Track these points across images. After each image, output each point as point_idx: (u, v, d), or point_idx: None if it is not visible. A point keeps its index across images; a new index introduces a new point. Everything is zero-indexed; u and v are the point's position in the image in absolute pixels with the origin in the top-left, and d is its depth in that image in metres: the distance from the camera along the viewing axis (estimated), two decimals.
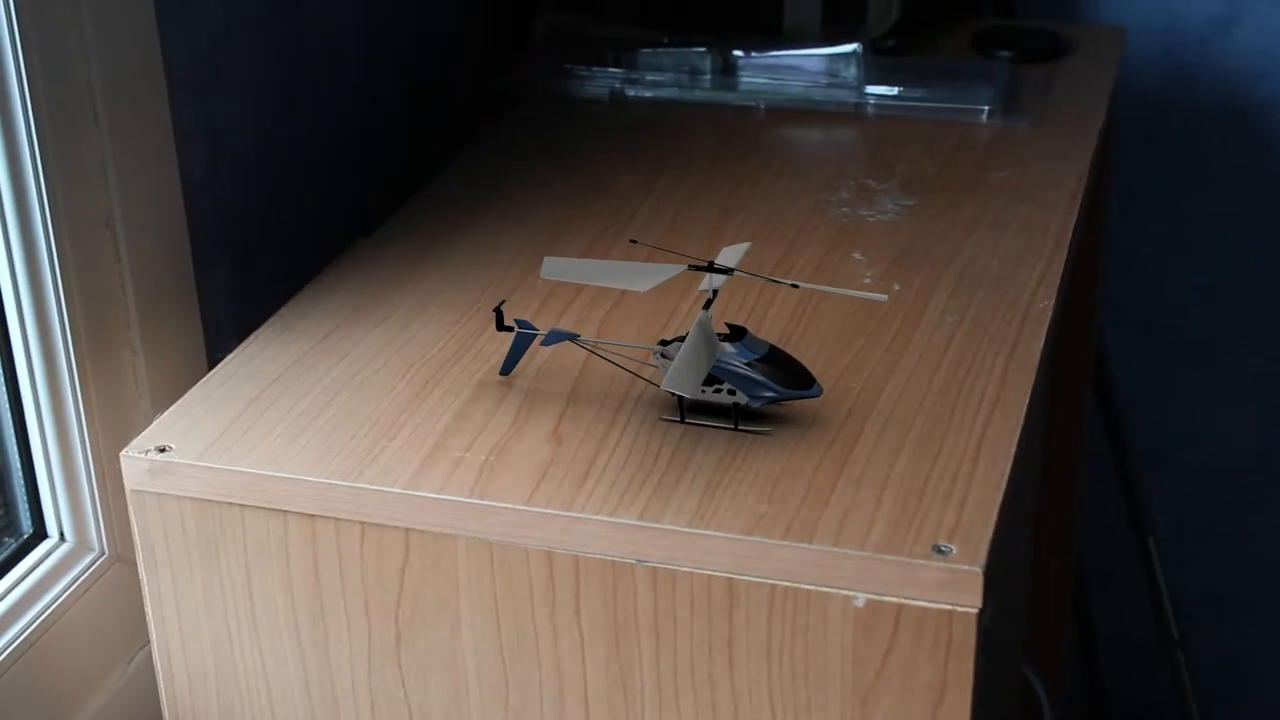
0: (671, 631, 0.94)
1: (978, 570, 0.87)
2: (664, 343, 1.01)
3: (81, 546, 1.13)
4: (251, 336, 1.13)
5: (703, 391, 0.99)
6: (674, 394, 1.00)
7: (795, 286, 1.04)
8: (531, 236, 1.25)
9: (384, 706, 1.02)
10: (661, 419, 1.01)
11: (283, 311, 1.16)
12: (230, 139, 1.23)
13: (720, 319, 1.10)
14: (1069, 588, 1.89)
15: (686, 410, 1.00)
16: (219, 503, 0.99)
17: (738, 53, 1.51)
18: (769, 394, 0.98)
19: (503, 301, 1.07)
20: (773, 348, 0.99)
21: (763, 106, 1.48)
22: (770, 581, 0.91)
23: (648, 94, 1.51)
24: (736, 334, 0.99)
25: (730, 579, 0.92)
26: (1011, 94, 1.48)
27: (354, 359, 1.09)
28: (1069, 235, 1.24)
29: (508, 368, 1.05)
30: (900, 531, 0.90)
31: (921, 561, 0.88)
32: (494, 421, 1.02)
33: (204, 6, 1.18)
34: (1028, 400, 1.02)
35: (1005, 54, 1.58)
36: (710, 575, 0.92)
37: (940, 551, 0.88)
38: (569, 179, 1.35)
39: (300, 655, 1.02)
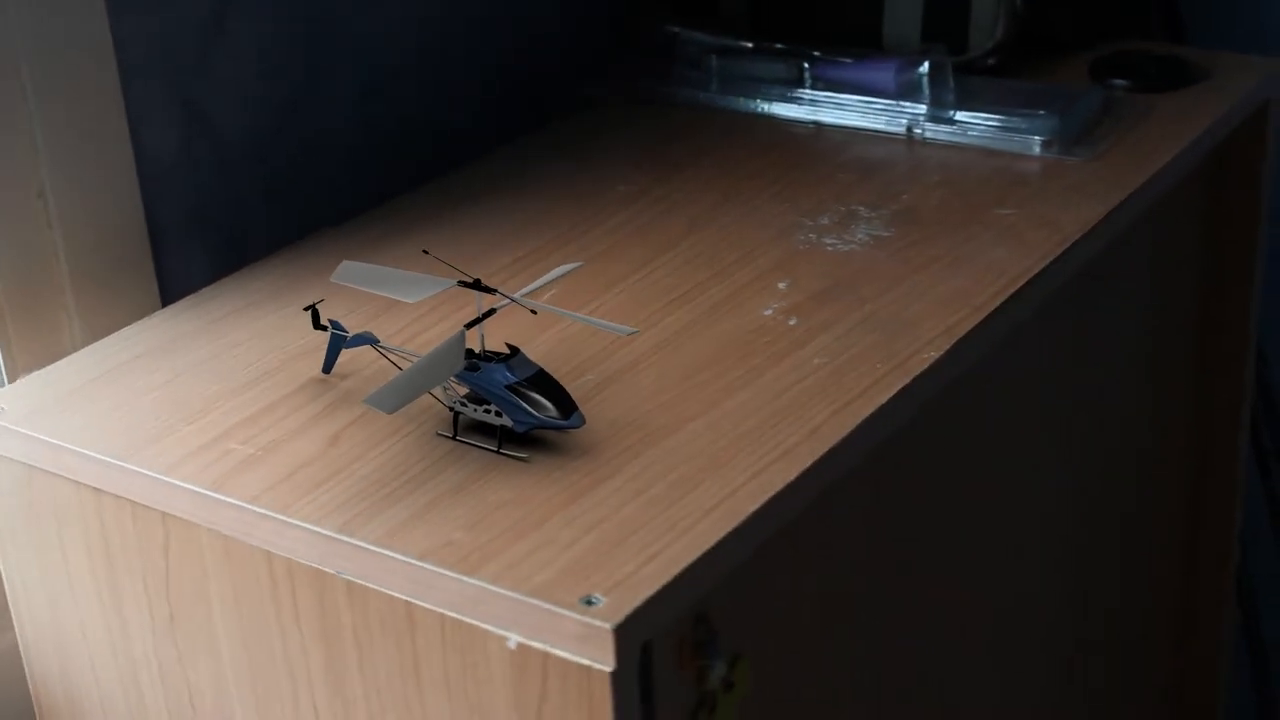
0: (370, 648, 0.93)
1: (608, 628, 0.83)
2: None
3: None
4: (164, 309, 1.18)
5: (474, 410, 0.98)
6: (452, 409, 0.99)
7: (534, 312, 1.00)
8: (485, 239, 1.25)
9: (171, 680, 1.05)
10: (437, 434, 0.99)
11: (206, 289, 1.21)
12: (220, 123, 1.28)
13: (606, 334, 1.08)
14: (1225, 609, 1.71)
15: (461, 428, 0.99)
16: (33, 467, 1.04)
17: (806, 65, 1.45)
18: (527, 419, 0.95)
19: (320, 300, 1.07)
20: (541, 372, 0.97)
21: (814, 122, 1.42)
22: (440, 611, 0.89)
23: (718, 101, 1.47)
24: (509, 355, 0.97)
25: (409, 603, 0.90)
26: (1089, 126, 1.36)
27: (226, 342, 1.13)
28: (1023, 282, 1.14)
29: (327, 366, 1.06)
30: (570, 577, 0.86)
31: (563, 610, 0.84)
32: (291, 417, 1.03)
33: None
34: (818, 456, 0.95)
35: (1120, 81, 1.45)
36: (393, 597, 0.91)
37: (589, 603, 0.84)
38: (568, 183, 1.34)
39: (105, 621, 1.06)
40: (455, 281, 0.98)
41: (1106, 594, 1.50)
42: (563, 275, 1.02)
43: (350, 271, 1.02)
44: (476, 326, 0.97)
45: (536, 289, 1.02)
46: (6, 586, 1.11)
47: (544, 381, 0.96)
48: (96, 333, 1.20)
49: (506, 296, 0.97)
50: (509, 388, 0.95)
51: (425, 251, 1.05)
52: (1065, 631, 1.43)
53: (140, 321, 1.17)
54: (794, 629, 1.02)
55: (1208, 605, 1.69)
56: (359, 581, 0.92)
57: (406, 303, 1.06)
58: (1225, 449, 1.61)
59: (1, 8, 1.11)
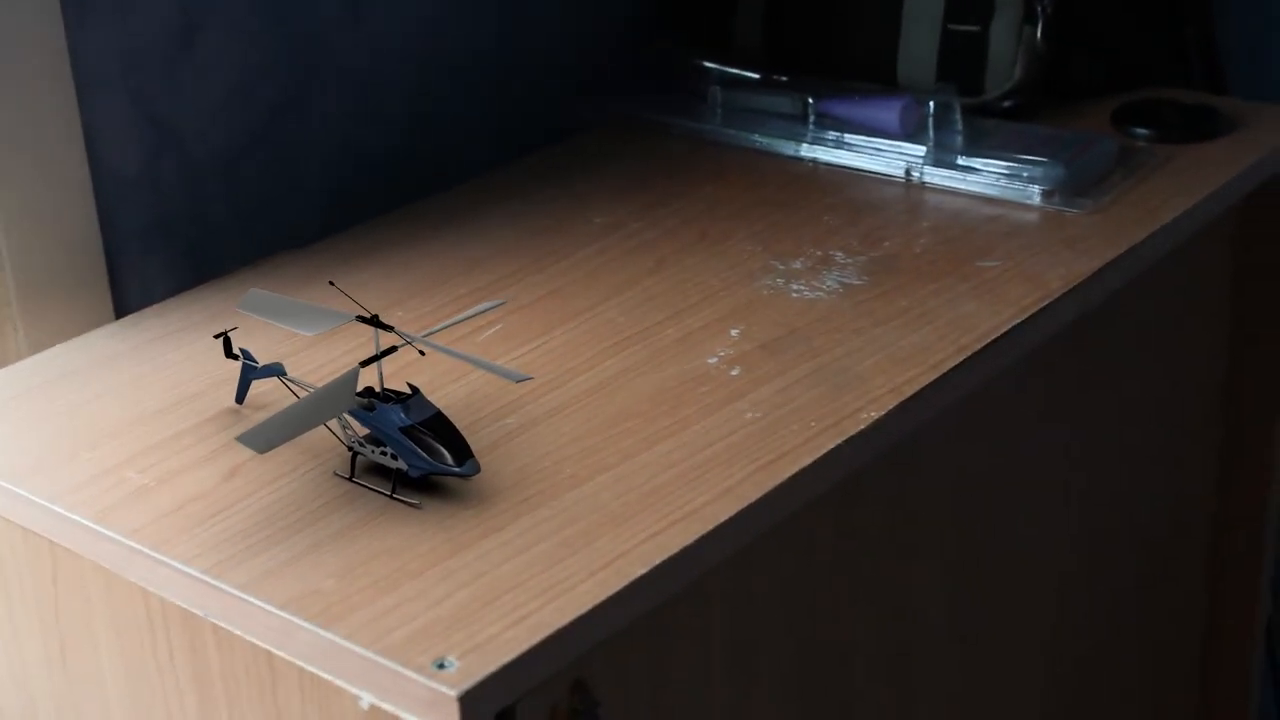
0: (239, 696, 0.89)
1: (453, 694, 0.78)
2: (360, 393, 0.94)
3: None
4: (105, 326, 1.16)
5: (371, 451, 0.93)
6: (351, 449, 0.94)
7: (422, 354, 0.95)
8: (445, 268, 1.21)
9: (66, 709, 1.02)
10: (335, 474, 0.95)
11: (153, 307, 1.18)
12: (189, 140, 1.25)
13: (549, 366, 1.04)
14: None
15: (359, 469, 0.95)
16: None
17: (811, 100, 1.39)
18: (419, 464, 0.91)
19: (233, 328, 1.04)
20: (438, 415, 0.92)
21: (812, 160, 1.36)
22: (298, 663, 0.85)
23: (718, 134, 1.42)
24: (409, 396, 0.92)
25: (270, 653, 0.86)
26: (1098, 176, 1.29)
27: (157, 364, 1.10)
28: (989, 340, 1.07)
29: (239, 397, 1.02)
30: (430, 636, 0.82)
31: (410, 672, 0.79)
32: (196, 447, 0.99)
33: (148, 10, 1.19)
34: (723, 520, 0.90)
35: (1141, 130, 1.38)
36: (255, 645, 0.86)
37: (441, 666, 0.79)
38: (543, 213, 1.30)
39: (4, 648, 1.03)
40: (354, 316, 0.94)
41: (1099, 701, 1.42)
42: (482, 313, 0.98)
43: (255, 301, 0.98)
44: (375, 364, 0.93)
45: (450, 326, 0.97)
46: None
47: (440, 425, 0.92)
48: (44, 346, 1.18)
49: (401, 335, 0.93)
50: (403, 430, 0.91)
51: (331, 283, 1.01)
52: None
53: (79, 338, 1.14)
54: (702, 699, 0.96)
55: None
56: (224, 626, 0.88)
57: (306, 335, 1.02)
58: (1251, 537, 1.53)
59: None
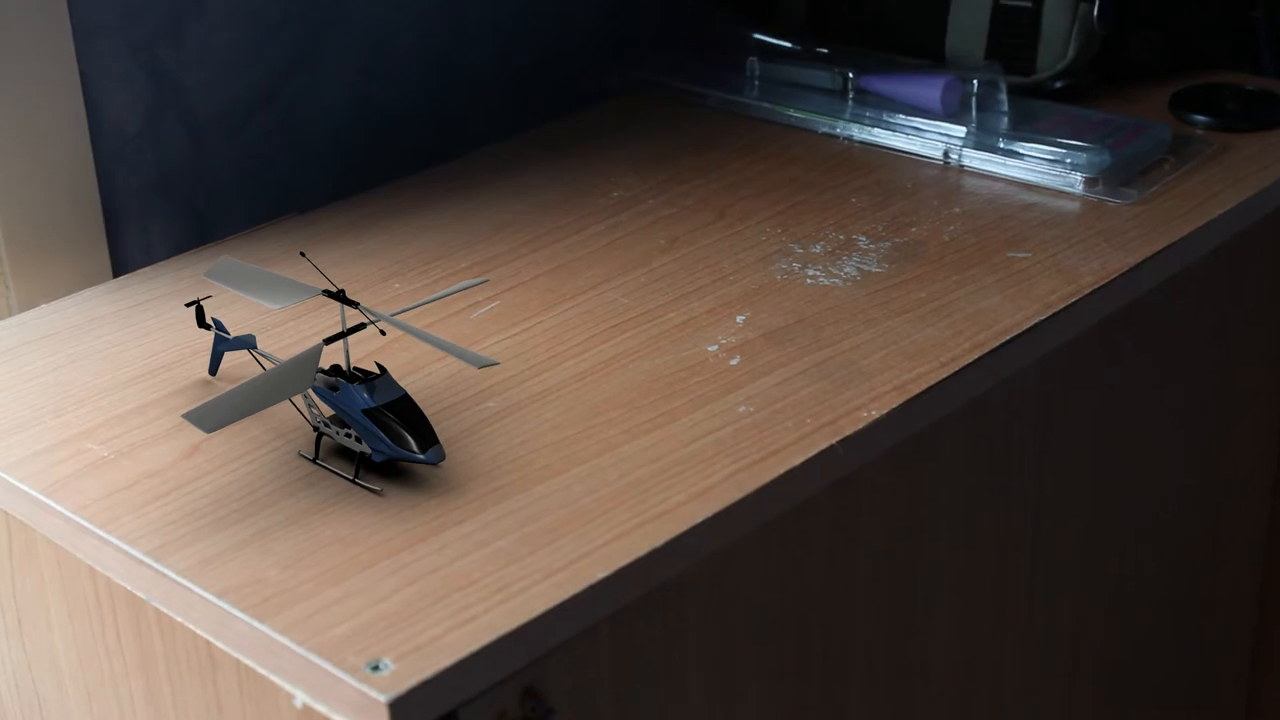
0: (181, 683, 0.85)
1: (383, 700, 0.73)
2: (327, 371, 0.90)
3: None
4: (91, 288, 1.12)
5: (336, 433, 0.89)
6: (316, 430, 0.90)
7: (383, 333, 0.90)
8: (450, 239, 1.16)
9: (23, 688, 0.99)
10: (299, 454, 0.91)
11: (143, 270, 1.14)
12: (194, 94, 1.21)
13: (540, 348, 1.00)
14: None
15: (325, 451, 0.90)
16: None
17: (850, 74, 1.33)
18: (382, 448, 0.86)
19: (207, 296, 0.99)
20: (404, 397, 0.87)
21: (848, 138, 1.30)
22: (236, 655, 0.80)
23: (751, 106, 1.36)
24: (375, 376, 0.88)
25: (210, 642, 0.82)
26: (1146, 165, 1.22)
27: (137, 330, 1.06)
28: (1008, 337, 1.01)
29: (213, 368, 0.98)
30: (369, 635, 0.77)
31: (341, 674, 0.75)
32: (161, 420, 0.95)
33: None
34: (697, 521, 0.84)
35: (1199, 117, 1.30)
36: (196, 633, 0.82)
37: (375, 669, 0.75)
38: (559, 185, 1.24)
39: None
40: (320, 290, 0.89)
41: None
42: (461, 290, 0.93)
43: (224, 269, 0.94)
44: (343, 342, 0.88)
45: (430, 303, 0.93)
46: None
47: (406, 408, 0.87)
48: (37, 305, 1.14)
49: (365, 313, 0.88)
50: (366, 412, 0.86)
51: (302, 254, 0.96)
52: None
53: (66, 298, 1.11)
54: (675, 713, 0.91)
55: None
56: (167, 611, 0.83)
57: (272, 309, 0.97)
58: None
59: None
